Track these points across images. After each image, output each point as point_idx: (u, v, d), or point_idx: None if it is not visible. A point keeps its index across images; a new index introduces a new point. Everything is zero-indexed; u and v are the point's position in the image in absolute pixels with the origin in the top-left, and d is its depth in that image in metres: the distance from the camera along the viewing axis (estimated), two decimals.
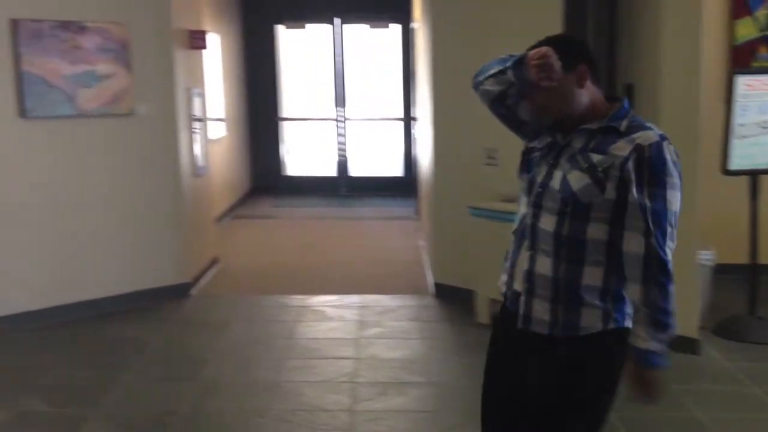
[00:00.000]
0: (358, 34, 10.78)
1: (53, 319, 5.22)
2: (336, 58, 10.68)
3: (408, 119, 10.56)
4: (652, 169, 2.02)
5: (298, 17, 10.74)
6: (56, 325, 5.17)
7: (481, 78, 2.30)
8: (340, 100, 10.87)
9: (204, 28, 6.61)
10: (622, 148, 2.05)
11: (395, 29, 10.64)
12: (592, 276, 2.09)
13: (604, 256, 2.09)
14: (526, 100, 2.20)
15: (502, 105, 2.29)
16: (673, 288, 2.02)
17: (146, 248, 5.67)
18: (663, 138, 2.06)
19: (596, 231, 2.07)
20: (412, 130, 10.05)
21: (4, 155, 5.05)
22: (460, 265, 5.49)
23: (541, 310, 2.14)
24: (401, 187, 10.52)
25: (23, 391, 4.17)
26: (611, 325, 2.11)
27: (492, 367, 2.35)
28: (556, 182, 2.12)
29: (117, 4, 5.39)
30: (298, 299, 5.80)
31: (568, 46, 2.14)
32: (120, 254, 5.56)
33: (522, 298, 2.18)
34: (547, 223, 2.13)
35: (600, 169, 2.05)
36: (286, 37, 10.90)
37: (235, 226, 8.86)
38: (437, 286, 5.80)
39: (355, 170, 11.04)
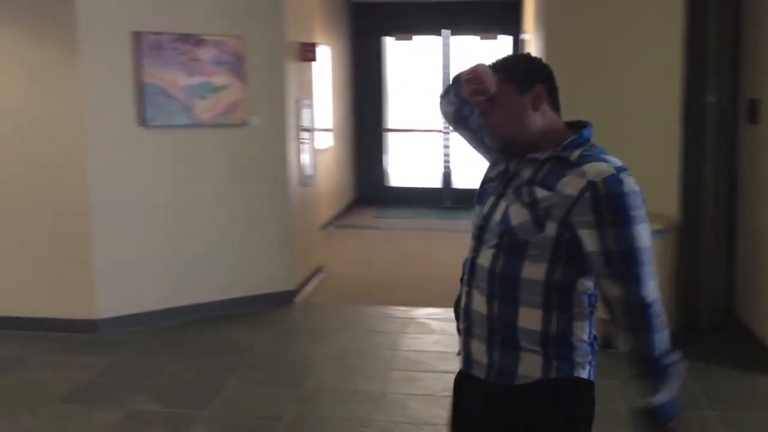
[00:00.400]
0: (466, 45, 10.75)
1: (165, 321, 5.41)
2: (443, 70, 10.68)
3: None
4: (612, 207, 1.77)
5: (406, 29, 10.81)
6: (168, 327, 5.35)
7: (439, 101, 2.27)
8: None
9: (315, 40, 6.72)
10: (570, 185, 1.81)
11: (504, 41, 10.55)
12: (528, 318, 1.87)
13: (542, 297, 1.87)
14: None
15: (465, 128, 2.23)
16: (665, 331, 1.80)
17: (254, 255, 5.79)
18: (619, 169, 1.81)
19: (533, 270, 1.86)
20: None
21: (125, 161, 5.27)
22: None
23: (479, 352, 1.95)
24: None
25: (136, 390, 4.32)
26: (553, 375, 1.86)
27: (452, 415, 2.14)
28: (498, 214, 1.93)
29: (234, 17, 5.54)
30: (401, 311, 5.80)
31: (525, 66, 1.99)
32: (229, 260, 5.70)
33: (462, 338, 2.02)
34: (485, 258, 1.95)
35: (542, 206, 1.83)
36: (393, 48, 10.98)
37: (339, 235, 8.96)
38: None
39: (459, 182, 10.99)
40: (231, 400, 4.16)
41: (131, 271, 5.36)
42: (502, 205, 1.92)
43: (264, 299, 5.81)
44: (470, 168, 11.02)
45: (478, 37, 10.72)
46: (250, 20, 5.59)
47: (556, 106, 1.97)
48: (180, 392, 4.29)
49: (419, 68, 11.06)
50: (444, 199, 10.94)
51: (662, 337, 1.80)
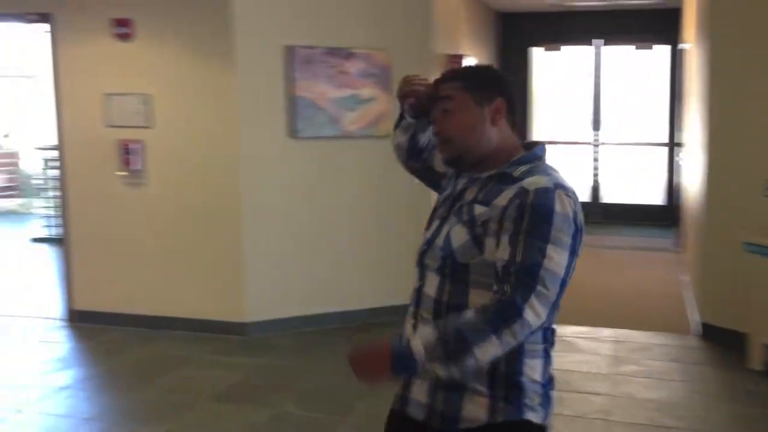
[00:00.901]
0: (619, 55, 10.39)
1: (310, 327, 5.52)
2: (595, 81, 10.36)
3: (672, 145, 9.95)
4: (533, 217, 1.63)
5: (555, 39, 10.57)
6: (313, 333, 5.45)
7: (392, 137, 2.22)
8: (595, 124, 10.52)
9: (461, 52, 6.67)
10: (505, 197, 1.69)
11: (661, 50, 10.11)
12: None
13: None
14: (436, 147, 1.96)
15: (417, 158, 2.15)
16: (498, 346, 1.58)
17: (398, 264, 5.78)
18: (558, 186, 1.68)
19: (481, 299, 1.68)
20: (676, 157, 9.46)
21: (274, 171, 5.42)
22: (732, 305, 5.03)
23: (419, 390, 1.81)
24: (660, 216, 9.94)
25: (282, 392, 4.42)
26: (500, 418, 1.70)
27: None
28: (441, 238, 1.80)
29: (382, 31, 5.60)
30: None
31: (487, 77, 1.87)
32: (373, 268, 5.75)
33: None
34: (430, 286, 1.80)
35: (478, 222, 1.71)
36: (541, 59, 10.77)
37: None
38: (704, 326, 5.34)
39: (608, 196, 10.61)
40: (374, 409, 4.14)
41: (278, 277, 5.51)
42: (445, 228, 1.80)
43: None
44: (620, 182, 10.63)
45: (632, 47, 10.33)
46: (397, 33, 5.63)
47: (513, 123, 1.86)
48: (324, 397, 4.35)
49: (568, 79, 10.80)
50: (593, 213, 10.59)
51: (492, 342, 1.57)
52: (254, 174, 5.37)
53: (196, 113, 5.39)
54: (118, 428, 4.07)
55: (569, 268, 1.66)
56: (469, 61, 7.88)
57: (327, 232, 5.62)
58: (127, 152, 5.48)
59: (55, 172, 6.33)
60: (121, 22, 5.40)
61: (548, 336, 1.77)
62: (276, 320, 5.49)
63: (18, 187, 11.50)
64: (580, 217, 1.71)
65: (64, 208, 5.80)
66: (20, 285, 7.24)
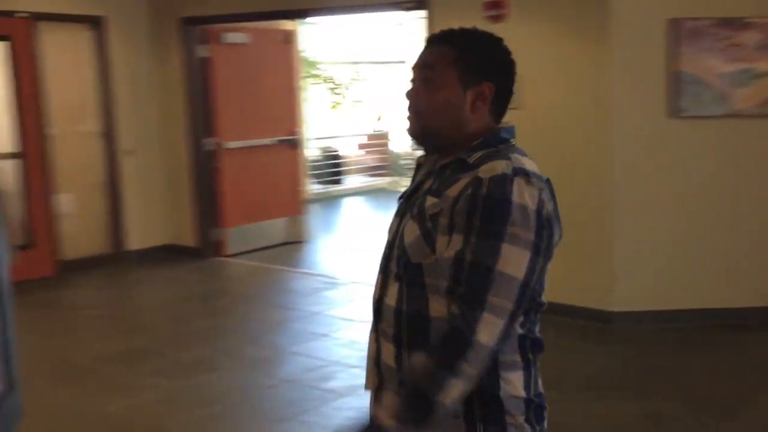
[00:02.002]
0: None
1: (686, 322, 5.07)
2: None
3: None
4: (486, 210, 1.42)
5: None
6: (689, 329, 5.02)
7: None
8: None
9: None
10: (458, 187, 1.48)
11: None
12: None
13: None
14: None
15: None
16: (460, 384, 1.40)
17: None
18: (518, 172, 1.44)
19: (442, 306, 1.47)
20: None
21: (652, 154, 5.08)
22: None
23: (386, 416, 1.48)
24: None
25: (653, 388, 4.14)
26: None
27: None
28: (398, 238, 1.59)
29: None
30: None
31: (483, 53, 1.58)
32: (765, 264, 5.12)
33: (371, 397, 1.65)
34: (391, 295, 1.59)
35: (427, 216, 1.50)
36: None
37: None
38: None
39: None
40: (762, 418, 3.73)
41: (653, 267, 5.16)
42: (401, 225, 1.59)
43: None
44: None
45: None
46: None
47: (498, 112, 1.61)
48: (707, 399, 3.99)
49: None
50: None
51: (452, 383, 1.39)
52: (628, 157, 5.08)
53: (565, 93, 5.24)
54: None
55: (533, 270, 1.43)
56: None
57: (719, 221, 5.12)
58: None
59: (420, 153, 6.60)
60: (495, 4, 5.42)
61: (526, 345, 1.53)
62: (646, 312, 5.15)
63: (388, 167, 12.36)
64: (548, 207, 1.47)
65: None
66: None
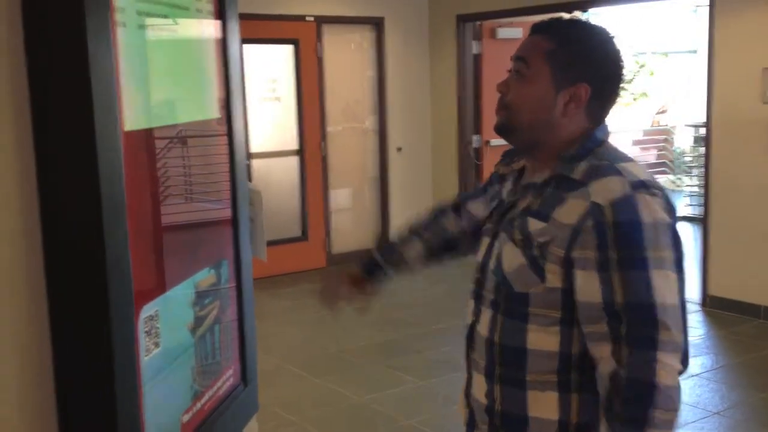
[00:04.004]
0: None
1: None
2: None
3: None
4: (620, 240, 1.27)
5: None
6: None
7: None
8: None
9: None
10: (570, 212, 1.32)
11: None
12: (541, 405, 1.38)
13: (558, 375, 1.37)
14: None
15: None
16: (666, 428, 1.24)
17: None
18: (637, 186, 1.30)
19: (542, 338, 1.36)
20: None
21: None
22: None
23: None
24: None
25: None
26: None
27: None
28: (492, 261, 1.45)
29: None
30: None
31: (583, 49, 1.39)
32: None
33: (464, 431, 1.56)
34: (483, 323, 1.46)
35: (536, 243, 1.34)
36: None
37: None
38: None
39: None
40: None
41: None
42: (496, 247, 1.46)
43: None
44: None
45: None
46: None
47: (598, 116, 1.44)
48: None
49: None
50: None
51: None
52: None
53: None
54: (743, 428, 3.78)
55: (683, 288, 1.32)
56: None
57: None
58: None
59: (703, 150, 6.17)
60: None
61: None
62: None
63: (669, 164, 11.69)
64: (675, 215, 1.34)
65: (706, 188, 5.62)
66: None
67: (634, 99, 13.04)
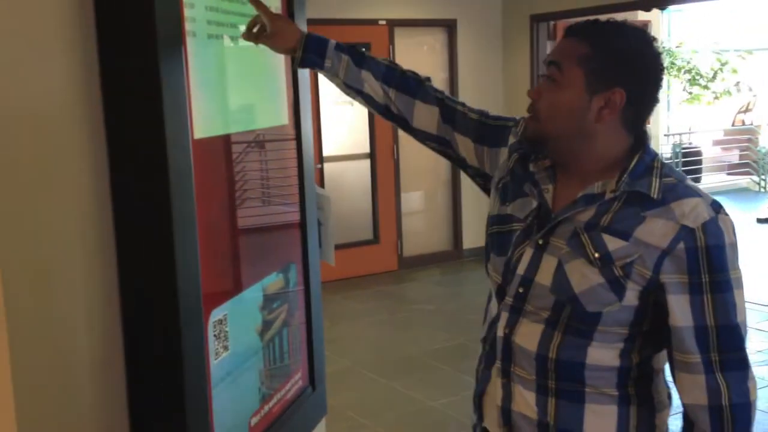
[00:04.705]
0: None
1: None
2: None
3: None
4: (711, 263, 1.28)
5: None
6: None
7: None
8: None
9: None
10: (656, 233, 1.29)
11: None
12: (600, 419, 1.35)
13: (618, 389, 1.35)
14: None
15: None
16: None
17: None
18: (717, 209, 1.31)
19: (603, 354, 1.34)
20: None
21: None
22: None
23: None
24: None
25: None
26: None
27: None
28: (545, 276, 1.35)
29: None
30: None
31: (619, 53, 1.33)
32: None
33: None
34: (528, 336, 1.38)
35: (617, 262, 1.29)
36: None
37: None
38: None
39: None
40: None
41: None
42: (550, 261, 1.35)
43: None
44: None
45: None
46: None
47: (634, 124, 1.36)
48: None
49: None
50: None
51: None
52: None
53: None
54: None
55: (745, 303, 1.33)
56: None
57: None
58: None
59: None
60: None
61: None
62: None
63: (753, 165, 11.30)
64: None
65: None
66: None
67: (716, 97, 12.64)
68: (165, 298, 1.33)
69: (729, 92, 12.30)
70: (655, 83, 1.39)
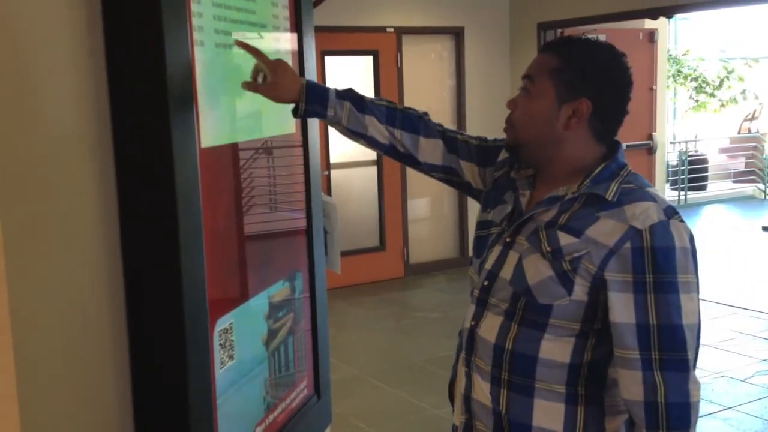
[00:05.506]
0: None
1: None
2: None
3: None
4: (656, 265, 1.33)
5: None
6: None
7: None
8: None
9: None
10: (605, 232, 1.36)
11: None
12: (547, 415, 1.41)
13: (566, 386, 1.41)
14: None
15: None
16: None
17: None
18: (669, 214, 1.36)
19: (555, 348, 1.40)
20: None
21: None
22: None
23: None
24: None
25: None
26: None
27: None
28: (507, 270, 1.46)
29: None
30: None
31: (585, 66, 1.44)
32: None
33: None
34: (489, 328, 1.48)
35: (568, 257, 1.37)
36: None
37: None
38: None
39: None
40: None
41: None
42: (513, 257, 1.46)
43: None
44: None
45: None
46: None
47: (603, 133, 1.46)
48: None
49: None
50: None
51: None
52: None
53: None
54: None
55: (699, 309, 1.37)
56: None
57: None
58: None
59: None
60: None
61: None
62: None
63: (758, 173, 11.27)
64: (694, 241, 1.39)
65: None
66: (744, 275, 7.04)
67: (722, 105, 12.62)
68: (171, 307, 1.33)
69: (735, 100, 12.28)
70: (621, 95, 1.49)
